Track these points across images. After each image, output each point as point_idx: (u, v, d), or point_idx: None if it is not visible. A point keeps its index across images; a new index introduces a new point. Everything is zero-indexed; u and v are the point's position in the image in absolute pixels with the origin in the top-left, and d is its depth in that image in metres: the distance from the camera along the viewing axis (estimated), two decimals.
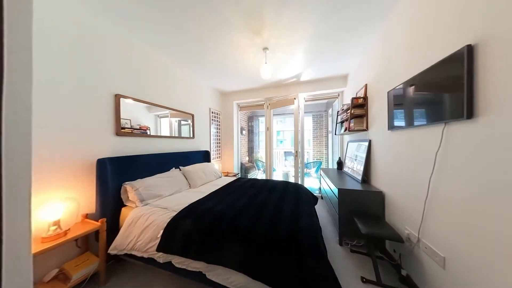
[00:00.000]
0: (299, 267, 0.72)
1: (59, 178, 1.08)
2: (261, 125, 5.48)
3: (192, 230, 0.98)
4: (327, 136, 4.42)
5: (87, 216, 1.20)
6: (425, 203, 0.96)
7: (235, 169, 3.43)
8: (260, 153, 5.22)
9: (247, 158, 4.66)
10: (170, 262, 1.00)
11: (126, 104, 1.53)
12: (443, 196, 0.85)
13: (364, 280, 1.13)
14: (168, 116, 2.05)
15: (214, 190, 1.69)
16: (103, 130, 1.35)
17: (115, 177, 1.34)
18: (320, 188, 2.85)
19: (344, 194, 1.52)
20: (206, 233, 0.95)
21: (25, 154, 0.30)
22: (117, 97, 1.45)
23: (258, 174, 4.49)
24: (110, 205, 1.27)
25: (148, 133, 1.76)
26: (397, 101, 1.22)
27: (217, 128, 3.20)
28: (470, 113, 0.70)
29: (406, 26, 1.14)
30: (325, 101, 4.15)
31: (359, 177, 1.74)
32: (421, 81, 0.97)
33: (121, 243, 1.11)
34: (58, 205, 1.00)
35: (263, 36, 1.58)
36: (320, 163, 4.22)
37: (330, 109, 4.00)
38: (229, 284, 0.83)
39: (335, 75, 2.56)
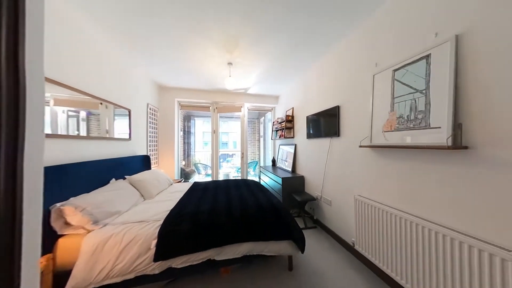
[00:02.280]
0: (284, 224, 1.25)
1: None
2: (198, 126, 5.34)
3: (193, 229, 1.10)
4: (259, 140, 5.53)
5: None
6: (323, 177, 1.97)
7: (176, 175, 3.18)
8: (198, 156, 5.08)
9: (183, 162, 4.33)
10: (168, 269, 1.03)
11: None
12: (329, 173, 1.87)
13: None
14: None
15: (180, 197, 1.68)
16: None
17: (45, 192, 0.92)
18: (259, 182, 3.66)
19: (285, 181, 2.34)
20: (207, 227, 1.13)
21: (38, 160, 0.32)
22: None
23: (199, 179, 4.39)
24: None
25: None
26: (310, 122, 2.25)
27: (155, 128, 2.78)
28: (339, 133, 1.71)
29: (317, 79, 2.18)
30: (258, 111, 5.22)
31: (290, 169, 2.71)
32: (321, 115, 1.99)
33: (84, 279, 0.87)
34: None
35: (232, 54, 1.93)
36: (257, 162, 5.18)
37: (263, 118, 5.12)
38: (237, 255, 1.13)
39: (272, 94, 3.51)
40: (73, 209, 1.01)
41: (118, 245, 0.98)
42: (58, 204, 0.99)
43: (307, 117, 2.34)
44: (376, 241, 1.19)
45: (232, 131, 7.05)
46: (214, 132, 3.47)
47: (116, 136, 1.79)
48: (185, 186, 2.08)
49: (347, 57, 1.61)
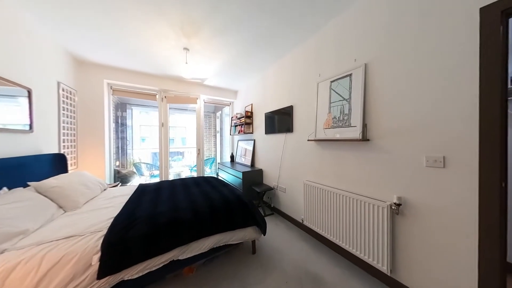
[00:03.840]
0: (249, 212, 1.38)
1: None
2: (137, 117, 4.48)
3: (151, 231, 1.02)
4: (215, 136, 5.41)
5: None
6: (279, 169, 2.29)
7: (108, 179, 2.58)
8: (136, 154, 4.28)
9: (117, 163, 3.52)
10: (119, 283, 0.90)
11: None
12: (284, 164, 2.21)
13: None
14: None
15: (124, 201, 1.43)
16: None
17: None
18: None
19: (245, 175, 2.50)
20: (170, 227, 1.08)
21: None
22: None
23: (142, 181, 3.72)
24: None
25: None
26: (268, 119, 2.52)
27: (70, 116, 2.10)
28: (292, 130, 2.05)
29: (275, 79, 2.45)
30: (214, 105, 5.08)
31: (249, 164, 2.91)
32: (278, 113, 2.29)
33: None
34: None
35: (190, 40, 1.81)
36: (214, 159, 5.04)
37: (219, 112, 5.04)
38: (203, 249, 1.15)
39: (230, 88, 3.54)
40: None
41: (35, 273, 0.75)
42: None
43: (265, 114, 2.59)
44: (319, 215, 1.59)
45: (179, 125, 6.41)
46: (163, 125, 3.08)
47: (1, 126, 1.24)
48: (127, 190, 1.77)
49: (300, 63, 1.95)
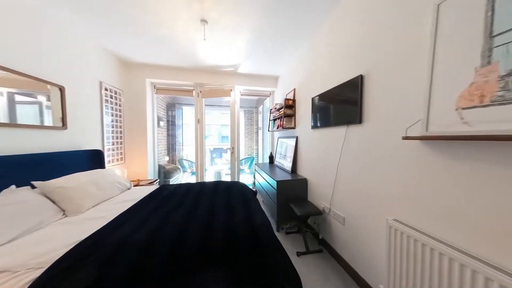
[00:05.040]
0: (267, 266, 0.76)
1: None
2: (186, 116, 4.84)
3: (97, 282, 0.62)
4: (257, 132, 4.99)
5: None
6: (334, 183, 1.44)
7: (151, 175, 2.73)
8: (185, 151, 4.63)
9: (167, 158, 3.89)
10: None
11: None
12: (343, 177, 1.34)
13: (299, 254, 1.48)
14: None
15: (126, 209, 1.21)
16: None
17: None
18: (254, 183, 3.18)
19: (281, 185, 1.83)
20: (124, 279, 0.65)
21: None
22: None
23: (184, 178, 3.95)
24: None
25: None
26: (317, 105, 1.69)
27: (116, 115, 2.29)
28: (361, 119, 1.16)
29: (328, 40, 1.59)
30: (256, 98, 4.65)
31: (289, 169, 2.19)
32: (333, 94, 1.43)
33: None
34: None
35: (203, 5, 1.37)
36: (253, 158, 4.69)
37: (261, 107, 4.55)
38: None
39: (269, 74, 2.93)
40: None
41: None
42: None
43: (312, 99, 1.77)
44: None
45: (224, 123, 6.53)
46: (199, 122, 2.96)
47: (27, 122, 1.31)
48: (145, 192, 1.61)
49: None
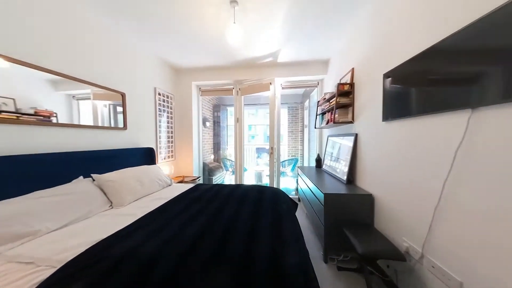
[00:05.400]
0: None
1: None
2: (230, 117, 5.02)
3: None
4: (303, 131, 4.43)
5: None
6: (434, 211, 0.83)
7: (196, 172, 2.89)
8: (229, 150, 4.79)
9: (212, 157, 4.14)
10: None
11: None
12: (463, 205, 0.72)
13: None
14: (90, 98, 1.45)
15: (154, 208, 1.19)
16: None
17: None
18: (297, 189, 2.73)
19: (331, 200, 1.34)
20: None
21: None
22: None
23: (226, 176, 4.07)
24: None
25: (55, 121, 1.22)
26: (398, 84, 1.08)
27: (169, 117, 2.56)
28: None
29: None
30: (302, 91, 4.10)
31: (344, 177, 1.62)
32: (433, 54, 0.81)
33: None
34: None
35: None
36: (297, 160, 4.19)
37: (307, 101, 3.98)
38: None
39: (315, 59, 2.40)
40: None
41: None
42: None
43: (385, 76, 1.17)
44: None
45: (262, 123, 6.32)
46: (238, 121, 2.88)
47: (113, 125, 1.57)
48: (180, 190, 1.62)
49: None
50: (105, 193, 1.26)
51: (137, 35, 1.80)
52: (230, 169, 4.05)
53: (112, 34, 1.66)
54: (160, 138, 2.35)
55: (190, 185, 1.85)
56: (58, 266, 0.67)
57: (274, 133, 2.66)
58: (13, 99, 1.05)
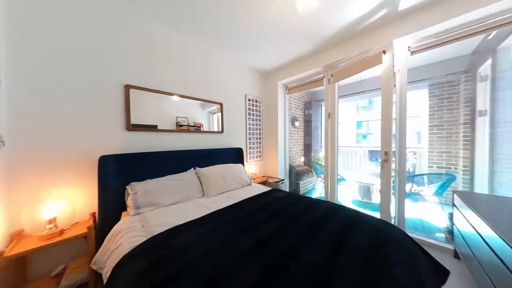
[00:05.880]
0: None
1: (60, 176, 1.17)
2: (347, 113, 4.28)
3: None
4: (472, 123, 2.40)
5: (94, 214, 1.24)
6: None
7: (281, 174, 2.80)
8: (323, 152, 4.08)
9: (302, 159, 3.80)
10: None
11: (177, 102, 1.78)
12: None
13: None
14: (216, 112, 2.17)
15: (223, 206, 1.26)
16: (111, 125, 1.38)
17: (120, 176, 1.31)
18: (451, 231, 1.47)
19: None
20: None
21: None
22: (127, 88, 1.45)
23: (317, 183, 3.49)
24: (111, 207, 1.25)
25: (202, 129, 1.98)
26: None
27: (257, 119, 2.75)
28: None
29: None
30: (471, 46, 2.23)
31: None
32: None
33: (100, 259, 1.00)
34: (54, 204, 1.06)
35: None
36: (452, 177, 2.36)
37: (486, 64, 2.08)
38: None
39: None
40: (130, 190, 1.25)
41: (114, 245, 0.93)
42: (130, 184, 1.30)
43: None
44: None
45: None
46: (329, 116, 2.28)
47: (205, 129, 2.05)
48: (255, 191, 1.60)
49: None
50: (201, 183, 1.60)
51: (227, 51, 2.12)
52: (322, 175, 3.40)
53: (206, 54, 2.07)
54: (249, 139, 2.60)
55: (266, 189, 1.76)
56: (148, 237, 0.88)
57: (393, 129, 1.66)
58: (186, 117, 1.81)
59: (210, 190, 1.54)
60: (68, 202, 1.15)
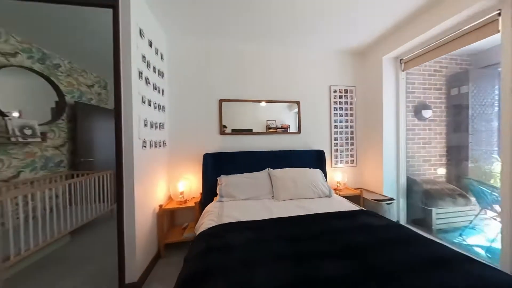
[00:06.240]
0: None
1: (186, 166, 1.82)
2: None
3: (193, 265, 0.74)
4: None
5: (201, 194, 1.77)
6: None
7: (388, 189, 1.94)
8: (500, 164, 2.11)
9: (441, 171, 2.29)
10: None
11: (266, 107, 1.97)
12: None
13: None
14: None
15: (286, 215, 1.14)
16: (210, 131, 1.88)
17: (215, 170, 1.73)
18: None
19: None
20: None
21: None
22: (220, 102, 1.87)
23: (479, 219, 1.87)
24: (209, 192, 1.68)
25: (288, 130, 2.03)
26: None
27: (347, 115, 2.16)
28: None
29: None
30: None
31: None
32: None
33: (197, 228, 1.38)
34: (183, 183, 1.67)
35: None
36: None
37: None
38: None
39: None
40: (219, 181, 1.60)
41: (200, 222, 1.25)
42: (221, 176, 1.67)
43: None
44: None
45: None
46: None
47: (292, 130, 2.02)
48: (332, 206, 1.27)
49: None
50: (272, 185, 1.61)
51: (304, 41, 1.89)
52: (490, 205, 1.72)
53: (281, 54, 1.99)
54: (335, 140, 2.13)
55: (353, 207, 1.31)
56: (217, 224, 1.06)
57: None
58: (275, 120, 1.98)
59: (279, 194, 1.49)
60: (188, 183, 1.76)
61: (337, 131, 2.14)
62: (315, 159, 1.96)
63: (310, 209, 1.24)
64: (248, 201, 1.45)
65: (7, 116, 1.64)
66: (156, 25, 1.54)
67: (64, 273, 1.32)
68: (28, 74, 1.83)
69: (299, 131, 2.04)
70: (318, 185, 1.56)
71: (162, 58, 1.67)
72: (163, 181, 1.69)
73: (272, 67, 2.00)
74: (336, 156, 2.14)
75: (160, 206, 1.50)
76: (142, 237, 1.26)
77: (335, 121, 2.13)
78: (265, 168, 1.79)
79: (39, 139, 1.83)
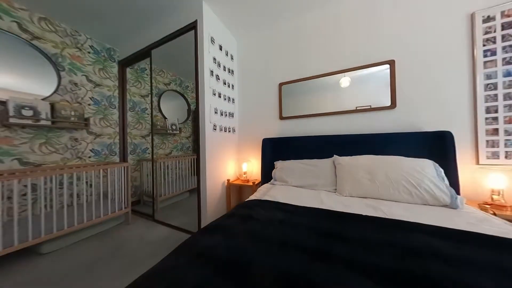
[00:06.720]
0: None
1: (249, 150, 1.99)
2: None
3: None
4: None
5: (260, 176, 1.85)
6: None
7: None
8: None
9: None
10: None
11: (351, 88, 1.51)
12: None
13: None
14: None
15: (341, 211, 0.83)
16: (270, 116, 1.89)
17: (273, 154, 1.72)
18: None
19: None
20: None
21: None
22: (280, 86, 1.81)
23: None
24: (267, 174, 1.70)
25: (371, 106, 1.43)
26: None
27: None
28: None
29: None
30: None
31: None
32: None
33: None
34: (246, 164, 1.85)
35: None
36: None
37: None
38: None
39: None
40: (275, 165, 1.57)
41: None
42: (278, 160, 1.63)
43: None
44: None
45: None
46: None
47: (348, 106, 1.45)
48: (452, 221, 0.70)
49: None
50: (335, 175, 1.25)
51: None
52: None
53: (361, 8, 1.41)
54: (489, 113, 1.14)
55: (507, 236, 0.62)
56: (258, 198, 1.05)
57: None
58: (370, 105, 1.42)
59: (343, 187, 1.11)
60: (250, 165, 1.91)
61: (495, 96, 1.12)
62: (426, 147, 1.20)
63: (392, 214, 0.78)
64: (301, 189, 1.26)
65: (166, 118, 2.90)
66: (226, 32, 1.87)
67: (184, 212, 2.06)
68: (175, 94, 3.10)
69: (392, 105, 1.37)
70: (423, 185, 0.92)
71: (232, 59, 1.98)
72: (233, 161, 2.00)
73: (351, 28, 1.54)
74: (492, 144, 1.14)
75: (228, 180, 1.80)
76: (212, 201, 1.59)
77: (490, 76, 1.13)
78: (332, 155, 1.42)
79: (178, 132, 3.02)
